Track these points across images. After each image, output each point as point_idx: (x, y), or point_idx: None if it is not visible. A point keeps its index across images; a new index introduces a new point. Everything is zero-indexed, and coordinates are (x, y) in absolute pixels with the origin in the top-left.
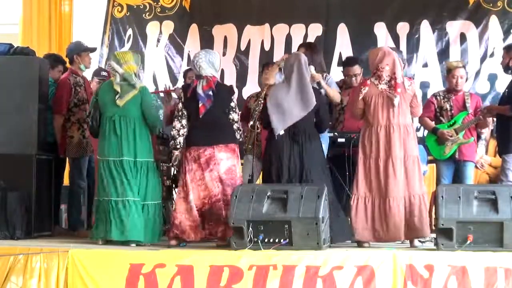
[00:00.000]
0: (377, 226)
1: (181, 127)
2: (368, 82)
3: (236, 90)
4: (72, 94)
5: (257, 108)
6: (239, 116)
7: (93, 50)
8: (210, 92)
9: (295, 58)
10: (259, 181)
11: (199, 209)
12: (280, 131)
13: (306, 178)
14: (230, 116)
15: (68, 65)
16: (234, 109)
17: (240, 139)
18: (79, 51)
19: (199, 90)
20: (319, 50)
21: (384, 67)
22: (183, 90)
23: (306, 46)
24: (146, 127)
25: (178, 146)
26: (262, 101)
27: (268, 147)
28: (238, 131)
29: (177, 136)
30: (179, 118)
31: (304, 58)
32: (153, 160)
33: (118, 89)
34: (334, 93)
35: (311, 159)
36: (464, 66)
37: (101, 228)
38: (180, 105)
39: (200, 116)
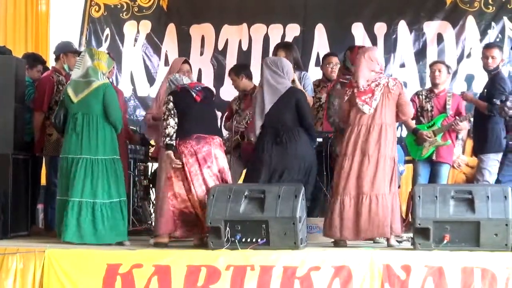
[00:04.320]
0: (351, 224)
1: (175, 124)
2: (353, 84)
3: (213, 89)
4: (54, 92)
5: (239, 111)
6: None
7: (80, 52)
8: (199, 88)
9: (262, 64)
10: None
11: (199, 201)
12: (252, 136)
13: (284, 178)
14: None
15: (49, 64)
16: None
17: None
18: (66, 50)
19: (187, 87)
20: (295, 49)
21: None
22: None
23: (282, 46)
24: (109, 124)
25: (168, 140)
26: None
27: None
28: None
29: (172, 133)
30: (172, 116)
31: (265, 61)
32: (117, 157)
33: (70, 91)
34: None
35: (293, 158)
36: (447, 66)
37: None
38: (171, 104)
39: (196, 103)
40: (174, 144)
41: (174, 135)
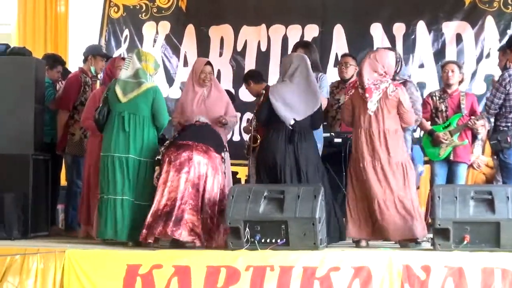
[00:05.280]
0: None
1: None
2: (356, 85)
3: (233, 90)
4: (80, 92)
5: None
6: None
7: (109, 57)
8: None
9: (300, 59)
10: None
11: (161, 209)
12: (291, 120)
13: (301, 178)
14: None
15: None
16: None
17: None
18: (95, 53)
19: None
20: (314, 49)
21: (361, 71)
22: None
23: (302, 45)
24: (154, 127)
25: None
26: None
27: (262, 147)
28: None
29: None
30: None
31: (308, 60)
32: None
33: (118, 90)
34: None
35: (306, 158)
36: (459, 66)
37: (105, 226)
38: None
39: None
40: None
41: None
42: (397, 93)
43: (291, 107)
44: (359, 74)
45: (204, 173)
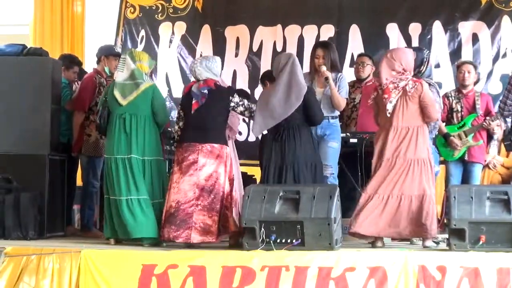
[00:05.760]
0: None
1: (178, 129)
2: (376, 86)
3: (248, 91)
4: (96, 93)
5: None
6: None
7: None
8: (205, 91)
9: (287, 58)
10: None
11: (167, 211)
12: (258, 133)
13: (287, 177)
14: (238, 110)
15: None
16: (238, 104)
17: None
18: (108, 53)
19: (194, 89)
20: (333, 49)
21: (379, 72)
22: (182, 92)
23: (322, 45)
24: (155, 125)
25: (175, 146)
26: None
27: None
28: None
29: (176, 137)
30: (177, 120)
31: (295, 58)
32: (161, 158)
33: (117, 94)
34: (339, 100)
35: (294, 155)
36: (475, 66)
37: (109, 226)
38: (179, 107)
39: (192, 112)
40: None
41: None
42: (417, 88)
43: (271, 111)
44: (378, 75)
45: (213, 171)
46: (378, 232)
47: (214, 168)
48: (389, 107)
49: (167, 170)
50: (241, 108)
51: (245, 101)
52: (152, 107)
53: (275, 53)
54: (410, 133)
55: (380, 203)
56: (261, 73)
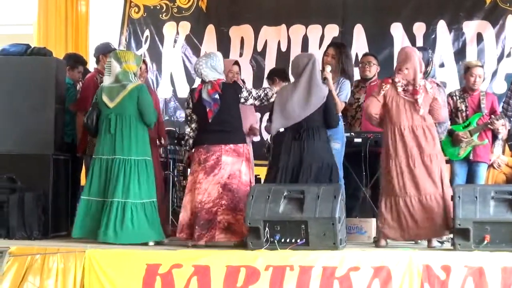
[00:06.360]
0: (399, 224)
1: (191, 131)
2: (390, 80)
3: None
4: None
5: None
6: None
7: None
8: (216, 96)
9: (309, 58)
10: None
11: (192, 212)
12: (277, 129)
13: (303, 176)
14: (248, 102)
15: (89, 65)
16: (247, 96)
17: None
18: (106, 51)
19: (205, 95)
20: (348, 54)
21: (403, 71)
22: (190, 95)
23: (333, 44)
24: (142, 125)
25: (187, 148)
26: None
27: (273, 147)
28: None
29: (188, 138)
30: (189, 123)
31: (316, 59)
32: (149, 158)
33: (105, 98)
34: (337, 103)
35: (312, 155)
36: (482, 67)
37: (83, 227)
38: (188, 111)
39: (210, 121)
40: (188, 148)
41: (189, 140)
42: (434, 90)
43: (287, 111)
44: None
45: (236, 170)
46: (398, 237)
47: (237, 166)
48: (421, 111)
49: (170, 169)
50: (251, 101)
51: (252, 92)
52: (138, 106)
53: (279, 53)
54: (426, 130)
55: (400, 206)
56: (265, 73)
